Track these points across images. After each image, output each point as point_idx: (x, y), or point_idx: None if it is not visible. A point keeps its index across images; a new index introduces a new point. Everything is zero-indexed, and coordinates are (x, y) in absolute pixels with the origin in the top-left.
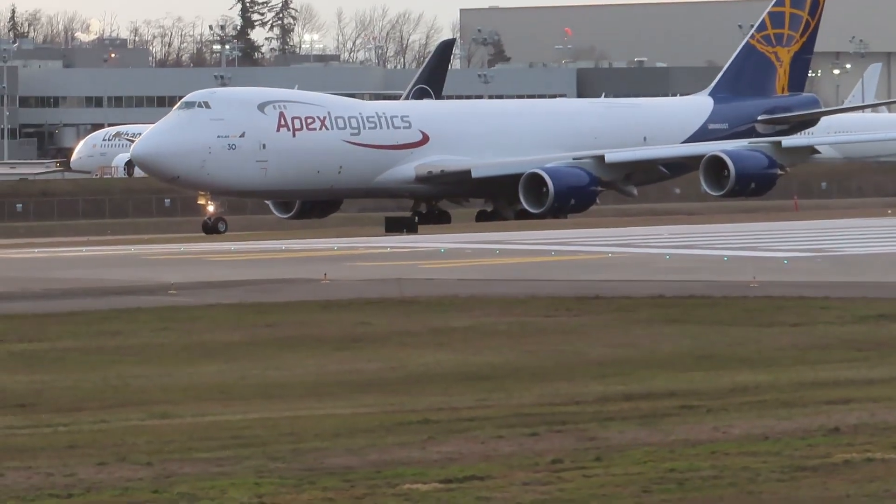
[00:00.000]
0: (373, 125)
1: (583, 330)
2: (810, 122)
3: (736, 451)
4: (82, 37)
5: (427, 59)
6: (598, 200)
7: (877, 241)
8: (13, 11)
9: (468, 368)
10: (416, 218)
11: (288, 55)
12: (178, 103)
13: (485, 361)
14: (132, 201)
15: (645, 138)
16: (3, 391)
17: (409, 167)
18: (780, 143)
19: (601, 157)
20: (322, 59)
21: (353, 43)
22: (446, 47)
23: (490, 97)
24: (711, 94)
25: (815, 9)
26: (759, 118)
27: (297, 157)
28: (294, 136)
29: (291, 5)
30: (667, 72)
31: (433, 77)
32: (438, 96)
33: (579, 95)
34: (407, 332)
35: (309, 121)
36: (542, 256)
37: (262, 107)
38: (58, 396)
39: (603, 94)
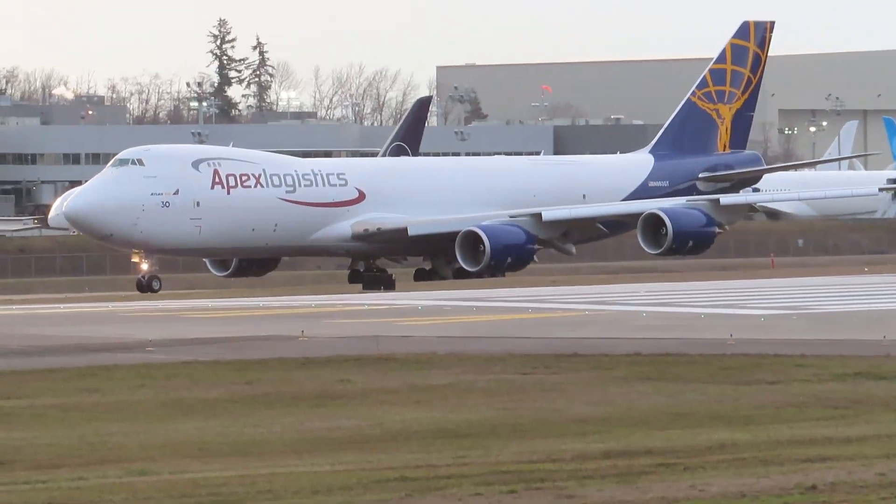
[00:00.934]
0: (308, 182)
1: (561, 387)
2: (752, 179)
3: None
4: (60, 93)
5: (404, 117)
6: (535, 258)
7: (854, 299)
8: None
9: (446, 425)
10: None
11: (265, 112)
12: (112, 160)
13: (463, 419)
14: (109, 258)
15: (584, 196)
16: None
17: (345, 225)
18: (718, 200)
19: (538, 215)
20: (299, 116)
21: (331, 100)
22: (423, 104)
23: (467, 154)
24: (652, 151)
25: (757, 66)
26: (701, 175)
27: (232, 214)
28: (229, 193)
29: (268, 63)
30: (644, 129)
31: (410, 134)
32: (415, 153)
33: (556, 152)
34: (385, 390)
35: (244, 178)
36: (519, 314)
37: (196, 164)
38: (36, 453)
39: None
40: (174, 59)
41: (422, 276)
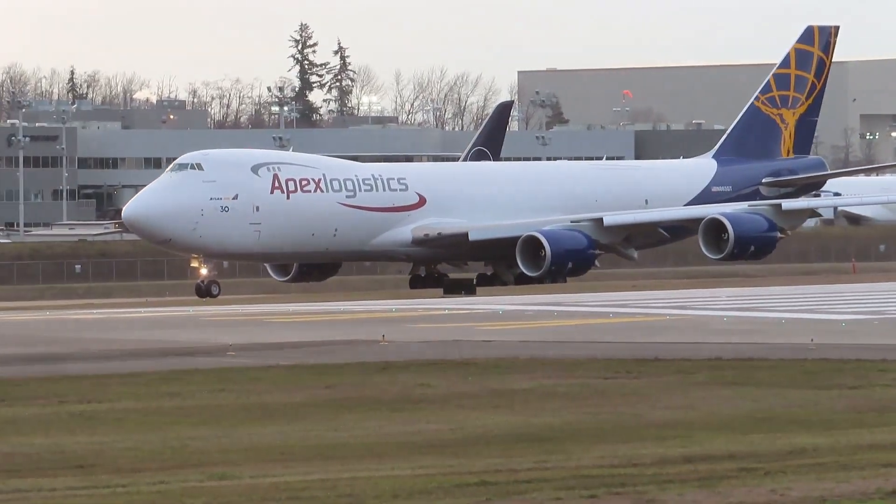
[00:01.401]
0: (369, 187)
1: (642, 392)
2: (816, 184)
3: None
4: (142, 97)
5: (485, 121)
6: (597, 263)
7: None
8: (72, 72)
9: (527, 430)
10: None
11: (346, 117)
12: (171, 165)
13: (544, 423)
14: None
15: (646, 201)
16: (62, 452)
17: (405, 230)
18: (780, 205)
19: (599, 220)
20: (380, 121)
21: (412, 105)
22: (504, 109)
23: (548, 159)
24: (715, 156)
25: (822, 71)
26: (764, 181)
27: (291, 219)
28: (288, 198)
29: (350, 67)
30: (721, 134)
31: (491, 139)
32: (497, 158)
33: (637, 157)
34: (465, 394)
35: (303, 183)
36: (600, 318)
37: (255, 168)
38: (117, 457)
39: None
40: (255, 64)
41: (483, 281)
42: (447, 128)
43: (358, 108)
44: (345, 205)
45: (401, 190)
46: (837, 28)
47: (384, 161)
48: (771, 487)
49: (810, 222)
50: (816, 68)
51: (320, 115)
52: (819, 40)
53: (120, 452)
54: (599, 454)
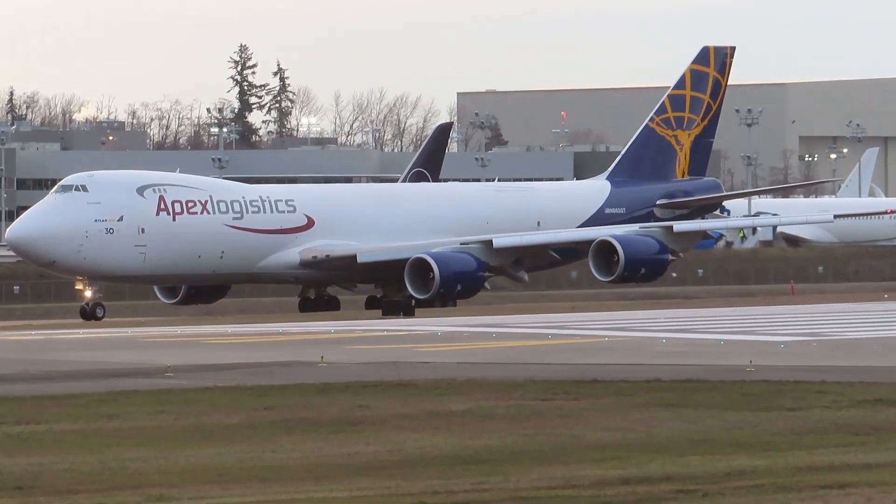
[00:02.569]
0: (256, 209)
1: (580, 414)
2: (712, 206)
3: None
4: (80, 118)
5: (424, 143)
6: (487, 286)
7: (874, 326)
8: (11, 93)
9: (465, 452)
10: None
11: (286, 138)
12: (55, 186)
13: (482, 445)
14: (128, 284)
15: (539, 223)
16: (0, 473)
17: (293, 252)
18: (671, 227)
19: (489, 242)
20: (319, 142)
21: (351, 126)
22: (443, 131)
23: (487, 180)
24: (609, 178)
25: (717, 92)
26: (658, 202)
27: (178, 241)
28: (174, 220)
29: (289, 88)
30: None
31: (430, 160)
32: (436, 179)
33: (577, 178)
34: (404, 416)
35: (190, 204)
36: (539, 340)
37: (141, 190)
38: (55, 479)
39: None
40: (195, 85)
41: (373, 304)
42: (386, 149)
43: (297, 130)
44: (231, 226)
45: (289, 212)
46: (734, 49)
47: (324, 182)
48: None
49: (750, 242)
50: (712, 89)
51: (260, 136)
52: (715, 61)
53: (58, 474)
54: (538, 476)
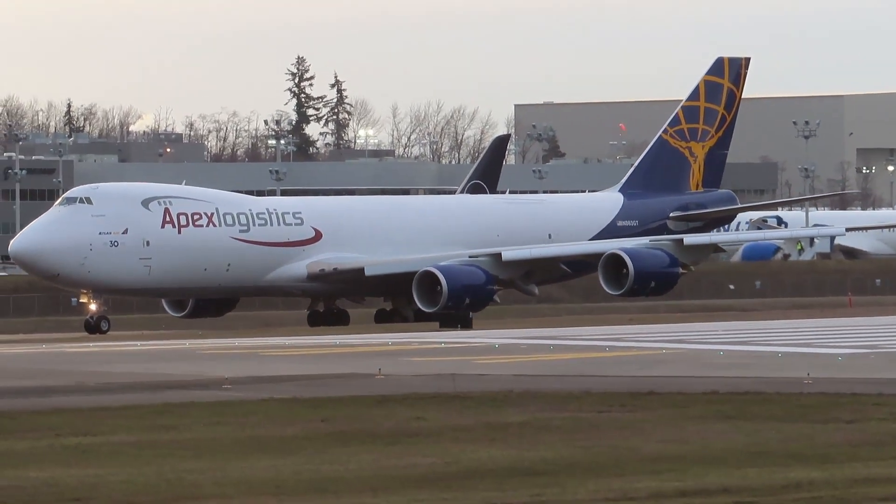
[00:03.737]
0: (263, 222)
1: (637, 426)
2: (726, 218)
3: None
4: (138, 129)
5: (482, 155)
6: (496, 299)
7: None
8: (69, 106)
9: (522, 464)
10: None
11: (343, 150)
12: (60, 199)
13: (539, 456)
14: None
15: (550, 235)
16: (57, 485)
17: (300, 265)
18: (681, 240)
19: (498, 255)
20: (377, 154)
21: (408, 138)
22: (501, 143)
23: (544, 192)
24: (622, 190)
25: (732, 103)
26: (672, 215)
27: (183, 254)
28: (180, 232)
29: (346, 100)
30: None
31: (488, 172)
32: (493, 191)
33: None
34: (461, 427)
35: (196, 217)
36: (596, 352)
37: (146, 203)
38: (112, 490)
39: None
40: (252, 97)
41: (383, 318)
42: (444, 161)
43: (355, 142)
44: (238, 239)
45: (296, 224)
46: (748, 60)
47: (381, 194)
48: None
49: (808, 254)
50: (727, 101)
51: (317, 148)
52: (729, 72)
53: (115, 485)
54: (594, 488)
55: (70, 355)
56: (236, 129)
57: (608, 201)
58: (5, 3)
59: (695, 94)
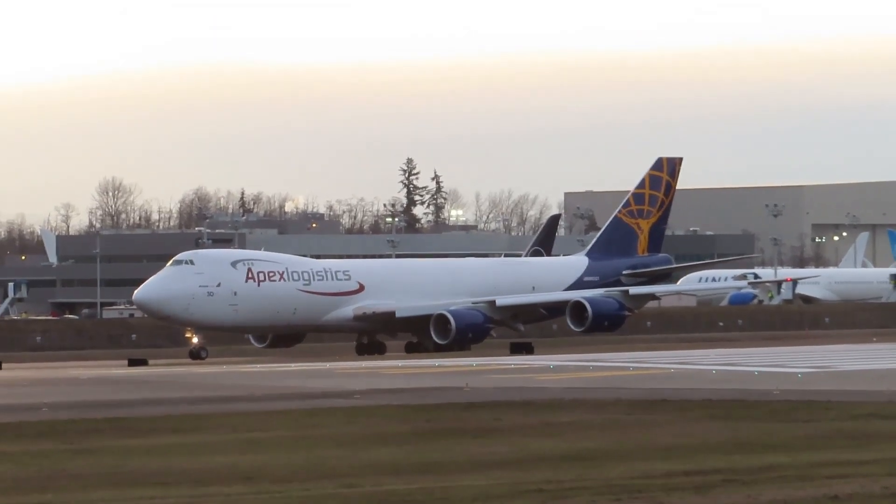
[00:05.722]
0: (321, 278)
1: (653, 424)
2: (665, 275)
3: None
4: (291, 209)
5: (540, 229)
6: (492, 334)
7: (866, 360)
8: (242, 193)
9: (571, 452)
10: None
11: (440, 225)
12: (170, 261)
13: (583, 447)
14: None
15: (533, 287)
16: (233, 467)
17: (348, 309)
18: (627, 291)
19: (493, 301)
20: (464, 228)
21: (487, 216)
22: (554, 220)
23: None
24: (588, 254)
25: (669, 191)
26: (624, 272)
27: (261, 301)
28: (259, 286)
29: (443, 189)
30: (713, 238)
31: (544, 241)
32: (549, 255)
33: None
34: (527, 426)
35: (271, 274)
36: (623, 371)
37: (234, 264)
38: (274, 471)
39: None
40: (375, 187)
41: (411, 348)
42: (513, 233)
43: (448, 219)
44: (302, 290)
45: (345, 279)
46: (681, 159)
47: (470, 257)
48: (747, 493)
49: (777, 300)
50: (665, 189)
51: (421, 224)
52: (667, 168)
53: (277, 468)
54: (623, 469)
55: (245, 374)
56: (363, 210)
57: (577, 262)
58: (201, 118)
59: (642, 184)
